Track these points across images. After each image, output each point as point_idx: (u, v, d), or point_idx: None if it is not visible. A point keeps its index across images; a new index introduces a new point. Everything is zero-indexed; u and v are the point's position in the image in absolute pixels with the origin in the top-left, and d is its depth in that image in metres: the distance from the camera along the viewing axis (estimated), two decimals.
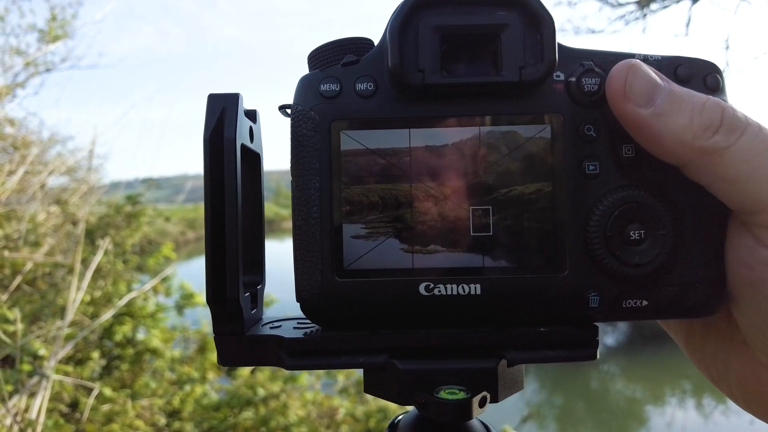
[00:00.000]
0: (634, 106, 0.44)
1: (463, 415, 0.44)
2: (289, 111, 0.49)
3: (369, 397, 4.46)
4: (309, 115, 0.47)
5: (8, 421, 3.25)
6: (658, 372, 7.66)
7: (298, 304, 0.48)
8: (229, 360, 0.49)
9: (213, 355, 4.68)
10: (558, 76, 0.47)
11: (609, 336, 8.91)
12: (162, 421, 4.33)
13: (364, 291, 0.47)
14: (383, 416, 4.15)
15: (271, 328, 0.51)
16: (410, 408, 0.51)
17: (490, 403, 0.45)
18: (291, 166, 0.48)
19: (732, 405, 0.51)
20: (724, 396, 0.52)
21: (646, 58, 0.47)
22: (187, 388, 4.49)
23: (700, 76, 0.47)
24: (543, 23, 0.45)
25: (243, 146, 0.48)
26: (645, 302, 0.47)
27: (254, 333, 0.49)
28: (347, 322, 0.48)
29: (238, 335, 0.48)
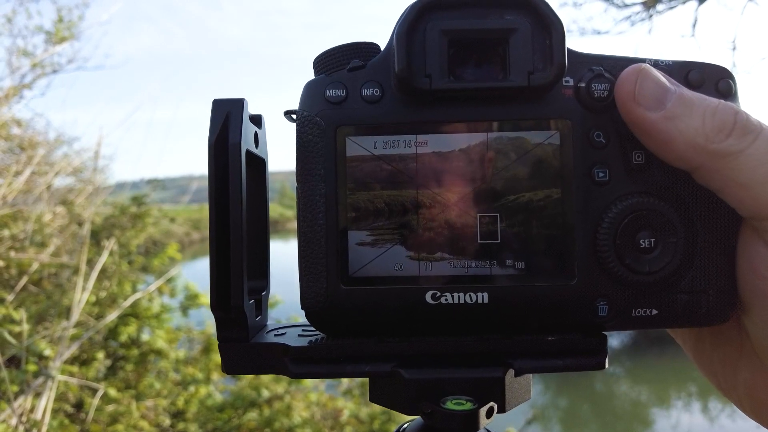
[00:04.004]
0: (644, 110, 0.43)
1: (470, 426, 0.43)
2: (294, 116, 0.48)
3: None
4: (314, 120, 0.47)
5: (14, 421, 3.27)
6: (663, 374, 7.62)
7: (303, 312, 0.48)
8: (233, 368, 0.48)
9: (217, 356, 4.65)
10: (567, 82, 0.46)
11: (614, 338, 8.87)
12: (166, 421, 4.34)
13: (369, 299, 0.46)
14: (387, 418, 4.14)
15: (275, 335, 0.50)
16: (416, 416, 0.50)
17: (497, 413, 0.45)
18: (296, 172, 0.47)
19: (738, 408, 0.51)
20: None
21: (656, 63, 0.47)
22: (192, 388, 4.49)
23: (712, 81, 0.47)
24: (552, 27, 0.44)
25: (248, 152, 0.48)
26: (655, 311, 0.46)
27: (259, 340, 0.49)
28: (352, 330, 0.48)
29: (243, 342, 0.48)
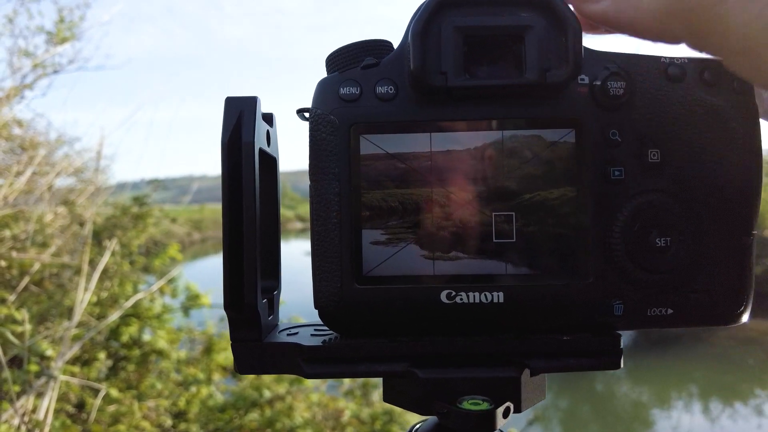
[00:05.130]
0: (592, 4, 0.41)
1: (487, 426, 0.43)
2: (307, 114, 0.48)
3: (374, 399, 4.45)
4: (328, 118, 0.46)
5: (16, 421, 3.26)
6: (664, 375, 7.61)
7: (316, 311, 0.48)
8: (247, 368, 0.48)
9: (219, 357, 4.67)
10: (583, 80, 0.46)
11: None
12: (168, 422, 4.34)
13: (383, 298, 0.46)
14: (389, 419, 4.14)
15: (288, 335, 0.50)
16: (426, 417, 0.50)
17: (513, 413, 0.45)
18: (309, 171, 0.47)
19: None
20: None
21: (672, 62, 0.46)
22: (193, 389, 4.48)
23: (729, 79, 0.46)
24: (568, 25, 0.44)
25: (260, 150, 0.47)
26: (670, 310, 0.46)
27: (272, 340, 0.48)
28: (366, 330, 0.47)
29: (256, 342, 0.47)
